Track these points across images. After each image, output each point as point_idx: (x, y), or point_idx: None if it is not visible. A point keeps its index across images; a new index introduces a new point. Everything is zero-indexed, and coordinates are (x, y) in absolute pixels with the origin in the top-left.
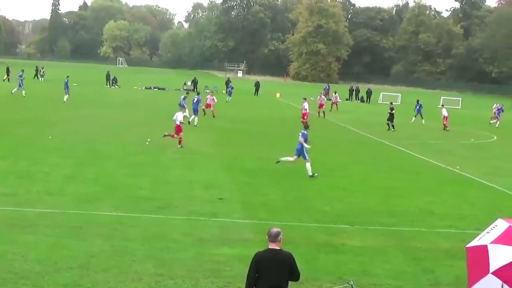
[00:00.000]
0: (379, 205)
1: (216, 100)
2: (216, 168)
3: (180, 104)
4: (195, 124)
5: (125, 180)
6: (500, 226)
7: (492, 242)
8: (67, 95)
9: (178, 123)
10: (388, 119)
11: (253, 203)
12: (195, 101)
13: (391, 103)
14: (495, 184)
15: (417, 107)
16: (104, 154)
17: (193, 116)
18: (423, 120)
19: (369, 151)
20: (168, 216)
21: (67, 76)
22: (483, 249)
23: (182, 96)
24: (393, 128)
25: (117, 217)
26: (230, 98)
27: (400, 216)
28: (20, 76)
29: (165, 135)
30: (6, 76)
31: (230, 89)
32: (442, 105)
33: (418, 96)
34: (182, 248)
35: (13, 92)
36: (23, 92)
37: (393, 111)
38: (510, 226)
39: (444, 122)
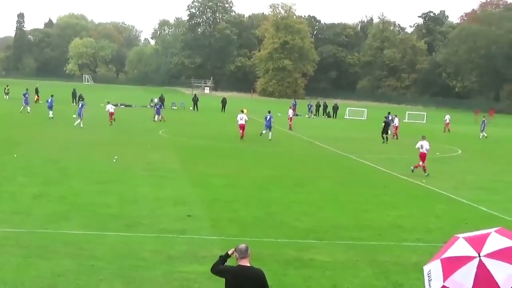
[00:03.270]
0: (347, 220)
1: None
2: (184, 185)
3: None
4: (270, 138)
5: (93, 199)
6: (433, 268)
7: (445, 280)
8: (51, 111)
9: (424, 151)
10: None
11: (222, 219)
12: (268, 119)
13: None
14: (460, 197)
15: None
16: (71, 173)
17: (265, 131)
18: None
19: (336, 166)
20: (136, 234)
21: (51, 95)
22: None
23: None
24: (386, 140)
25: (85, 236)
26: (158, 117)
27: (369, 230)
28: (25, 94)
29: (413, 170)
30: (36, 97)
31: (158, 107)
32: (395, 115)
33: (384, 111)
34: (150, 266)
35: (21, 111)
36: (28, 108)
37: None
38: (441, 259)
39: (395, 131)
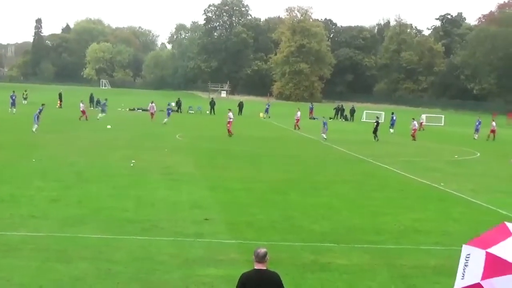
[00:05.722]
0: (364, 223)
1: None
2: (200, 188)
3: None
4: (325, 138)
5: (110, 202)
6: (474, 255)
7: (483, 279)
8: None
9: None
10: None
11: (239, 223)
12: (324, 124)
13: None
14: (479, 200)
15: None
16: (88, 177)
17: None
18: (391, 129)
19: (353, 169)
20: (153, 238)
21: (105, 99)
22: None
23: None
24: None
25: (102, 240)
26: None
27: (386, 234)
28: (11, 96)
29: None
30: (59, 102)
31: (169, 110)
32: (413, 118)
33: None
34: (168, 270)
35: (11, 112)
36: (14, 110)
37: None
38: (487, 252)
39: (413, 133)
